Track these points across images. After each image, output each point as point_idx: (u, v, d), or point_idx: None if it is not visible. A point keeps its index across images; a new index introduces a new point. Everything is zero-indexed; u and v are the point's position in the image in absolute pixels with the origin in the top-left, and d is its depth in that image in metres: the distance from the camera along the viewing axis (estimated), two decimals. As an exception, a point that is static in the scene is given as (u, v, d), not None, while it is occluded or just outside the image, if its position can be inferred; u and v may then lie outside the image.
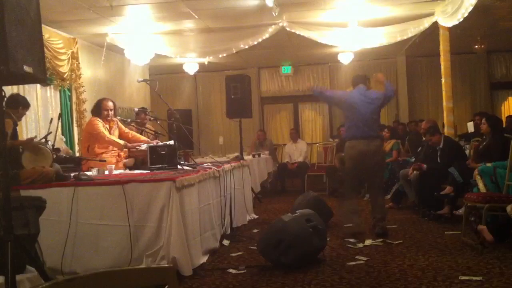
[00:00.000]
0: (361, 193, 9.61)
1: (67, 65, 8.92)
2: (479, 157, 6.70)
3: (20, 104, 5.41)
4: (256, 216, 7.63)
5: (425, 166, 7.19)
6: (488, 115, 7.43)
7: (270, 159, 10.79)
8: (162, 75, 13.76)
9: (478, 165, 6.20)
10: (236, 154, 8.22)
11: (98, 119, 6.33)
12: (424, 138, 7.90)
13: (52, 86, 8.84)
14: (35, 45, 3.14)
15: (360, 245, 5.57)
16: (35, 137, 5.43)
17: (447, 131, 8.82)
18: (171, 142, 5.88)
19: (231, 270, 4.72)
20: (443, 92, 9.26)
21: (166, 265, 4.03)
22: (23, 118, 5.97)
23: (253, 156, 9.59)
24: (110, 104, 6.43)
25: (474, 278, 4.15)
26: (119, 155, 6.41)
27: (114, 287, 1.47)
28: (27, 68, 3.00)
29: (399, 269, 4.56)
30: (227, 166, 6.32)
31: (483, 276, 4.20)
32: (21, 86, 7.50)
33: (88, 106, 9.18)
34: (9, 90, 6.29)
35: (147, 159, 5.71)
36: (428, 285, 4.08)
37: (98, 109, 6.42)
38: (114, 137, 6.34)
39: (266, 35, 9.35)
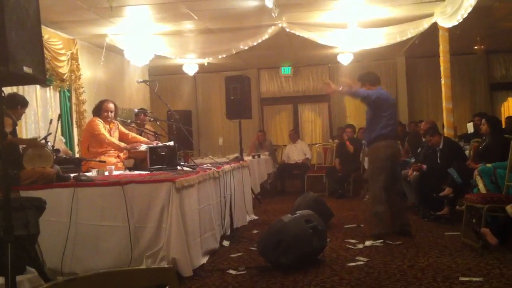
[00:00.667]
0: (360, 194, 9.64)
1: (66, 66, 8.92)
2: (478, 158, 6.70)
3: (18, 103, 5.41)
4: (256, 217, 7.63)
5: (425, 166, 7.19)
6: (488, 116, 7.44)
7: (270, 160, 10.79)
8: (162, 76, 13.76)
9: (477, 166, 6.20)
10: (236, 155, 8.22)
11: (99, 119, 6.33)
12: (424, 139, 7.90)
13: (51, 87, 8.83)
14: (35, 46, 3.14)
15: (360, 246, 5.57)
16: (39, 137, 5.42)
17: (446, 132, 8.82)
18: (171, 143, 5.88)
19: (231, 271, 4.72)
20: (443, 93, 9.27)
21: (166, 266, 4.03)
22: (23, 119, 5.98)
23: (253, 157, 9.60)
24: (111, 106, 6.43)
25: (474, 279, 4.15)
26: (118, 156, 6.42)
27: (115, 288, 1.47)
28: (26, 69, 3.00)
29: (399, 270, 4.56)
30: (226, 167, 6.32)
31: (483, 277, 4.20)
32: (20, 87, 7.49)
33: (87, 107, 9.18)
34: (8, 90, 6.28)
35: (146, 160, 5.71)
36: (428, 285, 4.08)
37: (99, 110, 6.43)
38: (115, 139, 6.34)
39: (266, 36, 9.36)
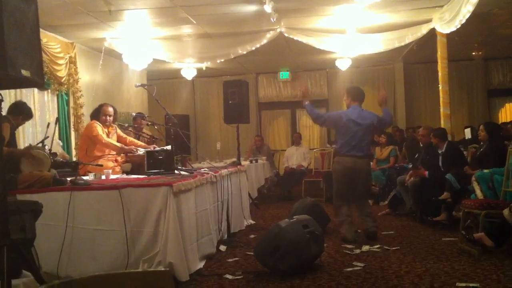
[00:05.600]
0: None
1: (65, 69, 8.92)
2: (476, 164, 6.70)
3: (22, 113, 5.41)
4: (253, 222, 7.61)
5: (427, 173, 7.12)
6: (486, 122, 7.43)
7: (268, 164, 10.78)
8: (160, 80, 13.78)
9: (475, 172, 6.20)
10: (234, 159, 8.22)
11: (97, 122, 6.32)
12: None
13: (49, 91, 8.84)
14: (33, 50, 3.13)
15: (358, 251, 5.56)
16: (30, 145, 5.42)
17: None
18: (169, 147, 5.87)
19: (227, 276, 4.71)
20: (440, 99, 9.30)
21: (163, 269, 4.02)
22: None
23: (251, 161, 9.59)
24: (110, 109, 6.42)
25: (471, 284, 4.15)
26: (116, 160, 6.40)
27: (110, 291, 1.47)
28: (24, 72, 2.99)
29: (396, 275, 4.55)
30: (224, 172, 6.31)
31: (480, 282, 4.20)
32: (18, 90, 7.49)
33: (85, 111, 9.18)
34: (6, 94, 6.28)
35: (144, 164, 5.70)
36: (425, 291, 4.08)
37: (98, 113, 6.42)
38: (112, 140, 6.33)
39: (264, 41, 9.38)
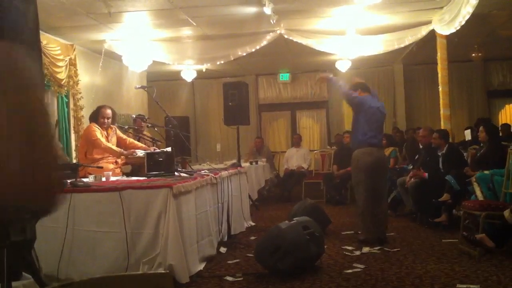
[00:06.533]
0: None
1: (64, 71, 8.92)
2: (476, 165, 6.69)
3: None
4: (253, 224, 7.61)
5: (426, 174, 7.11)
6: (485, 123, 7.42)
7: (268, 166, 10.78)
8: (160, 82, 13.76)
9: (475, 173, 6.20)
10: (234, 161, 8.22)
11: (96, 125, 6.32)
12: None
13: (49, 93, 8.83)
14: (33, 51, 3.12)
15: (358, 252, 5.56)
16: None
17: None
18: (169, 149, 5.87)
19: (228, 278, 4.70)
20: (440, 100, 9.29)
21: (163, 271, 4.02)
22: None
23: (251, 163, 9.59)
24: (109, 112, 6.41)
25: (471, 286, 4.14)
26: (116, 162, 6.40)
27: (111, 293, 1.46)
28: (24, 74, 2.99)
29: (397, 277, 4.55)
30: (224, 173, 6.31)
31: (480, 284, 4.19)
32: (18, 92, 7.47)
33: (85, 113, 9.17)
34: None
35: (144, 166, 5.70)
36: (426, 293, 4.07)
37: (96, 116, 6.42)
38: (111, 145, 6.33)
39: (264, 43, 9.39)
